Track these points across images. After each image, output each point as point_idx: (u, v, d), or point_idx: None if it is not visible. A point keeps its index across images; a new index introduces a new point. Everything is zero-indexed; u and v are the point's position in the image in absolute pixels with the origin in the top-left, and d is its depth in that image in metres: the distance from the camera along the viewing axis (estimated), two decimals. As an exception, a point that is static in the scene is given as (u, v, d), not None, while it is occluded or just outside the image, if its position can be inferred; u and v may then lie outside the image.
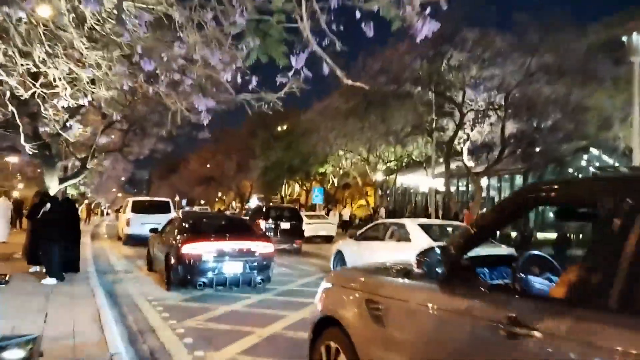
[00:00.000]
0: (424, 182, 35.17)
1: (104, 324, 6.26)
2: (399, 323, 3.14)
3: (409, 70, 26.62)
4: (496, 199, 30.60)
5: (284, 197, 49.46)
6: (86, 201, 47.20)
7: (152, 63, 4.39)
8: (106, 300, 8.11)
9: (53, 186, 13.70)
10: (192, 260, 9.56)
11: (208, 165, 66.13)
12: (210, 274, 9.58)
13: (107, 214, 70.86)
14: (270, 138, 39.53)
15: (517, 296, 2.66)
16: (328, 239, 25.01)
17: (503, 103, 24.76)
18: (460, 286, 2.83)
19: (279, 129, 44.86)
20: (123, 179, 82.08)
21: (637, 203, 2.11)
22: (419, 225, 10.65)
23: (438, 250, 2.98)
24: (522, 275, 2.87)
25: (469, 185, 31.83)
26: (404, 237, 10.52)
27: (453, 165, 31.47)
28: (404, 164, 34.13)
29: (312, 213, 29.06)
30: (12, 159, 25.03)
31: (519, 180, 29.07)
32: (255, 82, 5.21)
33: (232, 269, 9.74)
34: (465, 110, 25.33)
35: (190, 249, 9.64)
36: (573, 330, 2.09)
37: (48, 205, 10.52)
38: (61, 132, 11.75)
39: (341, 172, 37.91)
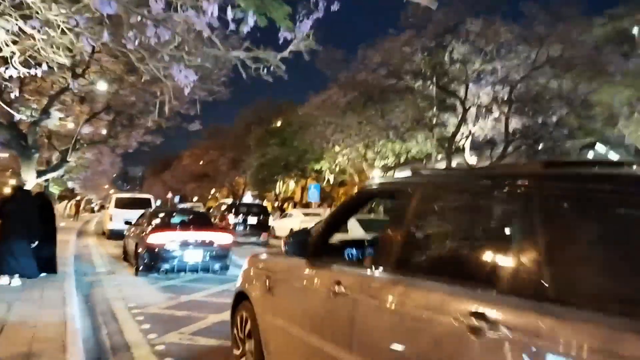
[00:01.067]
0: (423, 179, 34.33)
1: (68, 343, 5.22)
2: (280, 291, 3.90)
3: (410, 63, 25.64)
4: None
5: (278, 195, 48.38)
6: (77, 197, 45.98)
7: (111, 4, 3.36)
8: (78, 309, 7.07)
9: (30, 180, 12.60)
10: (156, 249, 10.75)
11: (201, 162, 64.89)
12: (172, 261, 10.79)
13: (98, 210, 69.52)
14: (265, 134, 38.34)
15: (346, 265, 3.64)
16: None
17: (507, 97, 23.88)
18: (318, 260, 3.56)
19: (274, 124, 43.79)
20: (115, 175, 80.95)
21: (406, 197, 3.00)
22: (357, 220, 12.13)
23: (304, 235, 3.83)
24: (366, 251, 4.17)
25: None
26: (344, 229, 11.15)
27: (454, 163, 30.61)
28: (401, 161, 33.15)
29: (309, 211, 28.08)
30: (2, 154, 23.88)
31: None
32: (249, 31, 4.14)
33: (193, 257, 10.94)
34: (468, 105, 24.37)
35: (155, 238, 10.83)
36: (372, 282, 2.91)
37: None
38: (36, 120, 10.70)
39: (337, 169, 36.85)
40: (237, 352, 4.48)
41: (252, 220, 22.69)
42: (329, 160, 35.88)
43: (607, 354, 1.69)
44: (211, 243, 11.14)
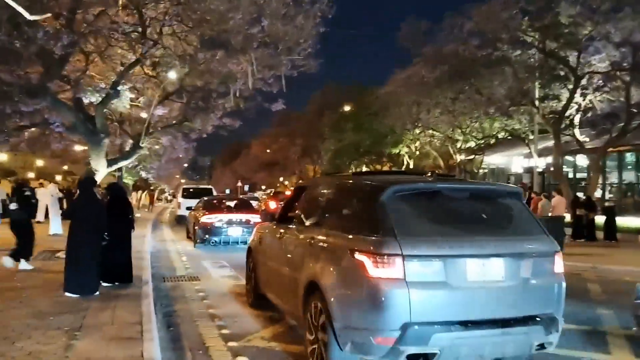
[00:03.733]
0: (517, 162, 30.90)
1: None
2: (263, 241, 7.15)
3: (507, 29, 22.35)
4: (614, 181, 25.98)
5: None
6: (151, 187, 45.82)
7: None
8: (158, 342, 5.15)
9: (100, 169, 11.05)
10: (208, 226, 14.37)
11: (268, 150, 63.92)
12: (219, 236, 14.19)
13: (169, 201, 70.39)
14: (340, 118, 36.08)
15: (285, 225, 6.41)
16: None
17: (629, 63, 20.26)
18: (278, 224, 6.63)
19: (345, 109, 41.42)
20: (185, 165, 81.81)
21: (304, 189, 6.71)
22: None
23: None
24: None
25: (578, 164, 27.37)
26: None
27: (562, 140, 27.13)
28: (491, 142, 29.87)
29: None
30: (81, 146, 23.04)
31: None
32: None
33: (235, 232, 14.29)
34: (581, 73, 20.93)
35: (206, 218, 14.56)
36: (288, 230, 6.15)
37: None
38: (104, 99, 9.04)
39: (417, 152, 34.07)
40: (248, 275, 7.77)
41: None
42: (410, 144, 33.21)
43: (326, 241, 4.88)
44: (247, 222, 14.24)
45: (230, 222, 14.41)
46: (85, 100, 11.53)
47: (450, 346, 4.00)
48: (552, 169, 23.99)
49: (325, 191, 5.74)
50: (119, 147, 15.98)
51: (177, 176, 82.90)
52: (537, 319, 4.30)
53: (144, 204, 37.93)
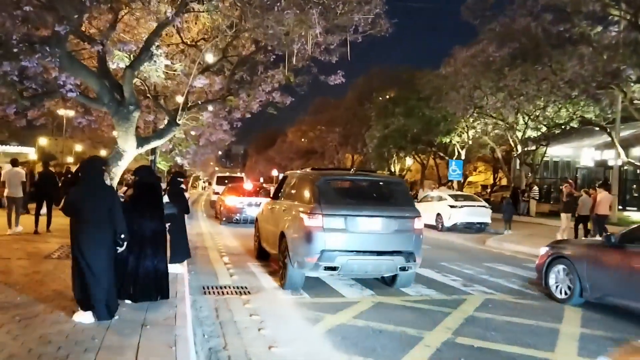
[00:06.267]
0: (587, 154, 27.85)
1: None
2: (264, 211, 10.38)
3: (588, 2, 19.37)
4: None
5: (392, 173, 43.50)
6: (186, 174, 44.42)
7: None
8: None
9: (129, 149, 9.05)
10: (230, 207, 18.28)
11: (303, 140, 61.74)
12: (240, 215, 17.84)
13: (204, 188, 69.19)
14: (388, 102, 33.41)
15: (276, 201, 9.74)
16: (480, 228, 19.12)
17: None
18: (272, 200, 10.04)
19: (391, 94, 38.71)
20: (220, 152, 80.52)
21: (287, 178, 10.27)
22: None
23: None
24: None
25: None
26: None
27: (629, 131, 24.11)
28: (556, 131, 26.80)
29: (458, 193, 23.05)
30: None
31: None
32: None
33: (252, 212, 16.05)
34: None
35: (229, 200, 18.54)
36: (275, 204, 9.70)
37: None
38: (133, 63, 6.98)
39: (470, 142, 31.18)
40: (255, 236, 10.90)
41: None
42: (462, 132, 30.40)
43: (289, 208, 8.47)
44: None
45: (249, 204, 17.57)
46: (113, 66, 9.51)
47: (346, 263, 7.37)
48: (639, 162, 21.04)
49: (294, 179, 9.28)
50: (153, 126, 14.02)
51: (212, 163, 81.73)
52: (400, 252, 7.59)
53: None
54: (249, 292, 7.51)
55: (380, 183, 8.77)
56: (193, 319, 5.81)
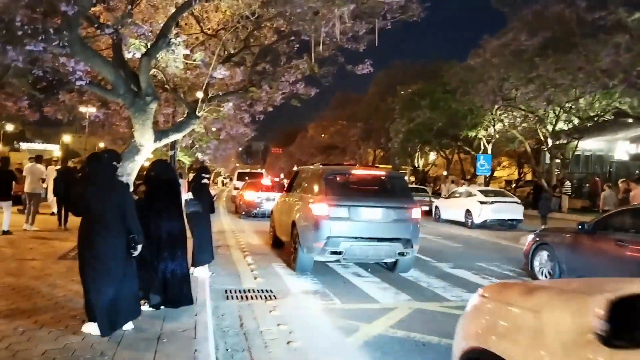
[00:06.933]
0: (621, 147, 26.67)
1: None
2: (278, 203, 11.54)
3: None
4: None
5: (417, 168, 42.56)
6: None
7: None
8: None
9: (146, 144, 8.54)
10: (248, 202, 19.15)
11: (323, 135, 60.99)
12: (258, 209, 18.73)
13: (225, 184, 69.00)
14: (413, 95, 32.41)
15: (287, 193, 11.08)
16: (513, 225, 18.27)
17: None
18: (287, 193, 11.07)
19: (415, 88, 37.74)
20: (241, 149, 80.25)
21: (297, 173, 11.41)
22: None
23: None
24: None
25: None
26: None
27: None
28: (588, 124, 25.60)
29: (488, 188, 22.18)
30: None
31: None
32: None
33: (269, 206, 16.06)
34: None
35: (247, 195, 19.44)
36: (287, 196, 10.94)
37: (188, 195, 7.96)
38: (150, 50, 6.45)
39: (497, 136, 30.11)
40: (271, 226, 11.90)
41: None
42: (488, 126, 29.36)
43: (300, 199, 9.46)
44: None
45: (267, 199, 18.06)
46: (129, 55, 9.00)
47: (349, 248, 8.13)
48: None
49: (304, 174, 10.31)
50: (172, 120, 13.51)
51: (233, 159, 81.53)
52: (399, 239, 8.34)
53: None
54: (274, 297, 6.93)
55: (381, 177, 9.35)
56: (215, 328, 5.27)
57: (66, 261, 7.94)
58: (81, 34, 7.18)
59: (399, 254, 8.32)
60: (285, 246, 9.64)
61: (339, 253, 8.10)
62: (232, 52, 11.75)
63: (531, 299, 2.48)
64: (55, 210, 13.48)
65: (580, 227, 7.91)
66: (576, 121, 25.12)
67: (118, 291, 4.51)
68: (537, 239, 8.99)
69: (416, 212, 8.59)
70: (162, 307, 5.44)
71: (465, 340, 2.79)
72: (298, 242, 8.51)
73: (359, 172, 9.24)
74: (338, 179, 8.79)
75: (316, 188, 8.76)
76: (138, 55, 8.85)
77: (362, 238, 8.13)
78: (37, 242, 9.85)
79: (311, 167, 10.76)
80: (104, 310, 4.43)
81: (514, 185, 40.06)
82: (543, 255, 8.67)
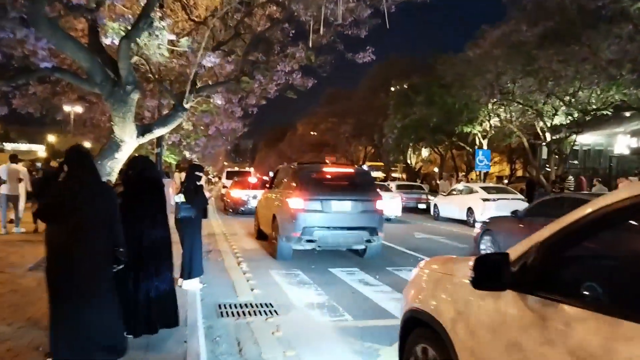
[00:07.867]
0: (622, 141, 26.08)
1: None
2: (261, 201, 12.94)
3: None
4: None
5: (410, 165, 41.79)
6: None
7: None
8: None
9: (127, 139, 7.62)
10: (235, 199, 20.03)
11: (312, 133, 59.96)
12: (244, 207, 19.42)
13: (214, 183, 67.79)
14: (407, 90, 31.51)
15: (268, 190, 12.50)
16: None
17: None
18: (268, 190, 12.47)
19: (410, 83, 36.88)
20: (229, 147, 78.97)
21: (278, 172, 12.67)
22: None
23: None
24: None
25: None
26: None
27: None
28: (587, 118, 24.93)
29: (489, 185, 21.43)
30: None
31: None
32: None
33: (255, 204, 15.37)
34: None
35: (234, 193, 20.31)
36: (269, 193, 11.96)
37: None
38: (129, 33, 5.56)
39: (493, 131, 29.37)
40: (255, 220, 13.33)
41: None
42: (483, 121, 28.63)
43: (279, 195, 10.71)
44: None
45: (254, 197, 18.19)
46: (107, 41, 8.05)
47: (322, 236, 9.20)
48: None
49: (283, 172, 11.51)
50: (158, 114, 12.49)
51: (221, 158, 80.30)
52: (365, 227, 9.44)
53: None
54: (276, 312, 6.04)
55: (350, 174, 10.58)
56: (209, 356, 4.39)
57: (38, 273, 7.00)
58: (49, 13, 6.21)
59: (366, 241, 9.53)
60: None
61: (314, 241, 9.21)
62: (221, 40, 10.84)
63: (448, 267, 3.15)
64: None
65: (513, 214, 9.57)
66: (576, 114, 24.46)
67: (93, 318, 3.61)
68: (483, 227, 10.57)
69: (380, 204, 9.81)
70: (144, 332, 4.54)
71: (406, 302, 3.37)
72: (278, 233, 9.64)
73: (330, 169, 10.51)
74: (312, 176, 9.92)
75: (293, 184, 9.81)
76: (117, 41, 7.92)
77: (334, 227, 9.30)
78: (9, 248, 8.86)
79: (289, 165, 11.84)
80: (67, 343, 3.53)
81: (505, 181, 39.47)
82: (487, 240, 10.19)
